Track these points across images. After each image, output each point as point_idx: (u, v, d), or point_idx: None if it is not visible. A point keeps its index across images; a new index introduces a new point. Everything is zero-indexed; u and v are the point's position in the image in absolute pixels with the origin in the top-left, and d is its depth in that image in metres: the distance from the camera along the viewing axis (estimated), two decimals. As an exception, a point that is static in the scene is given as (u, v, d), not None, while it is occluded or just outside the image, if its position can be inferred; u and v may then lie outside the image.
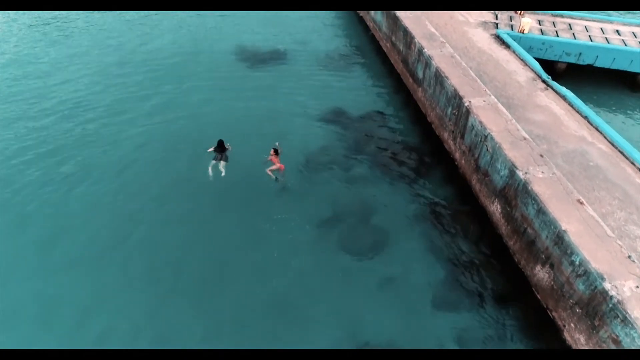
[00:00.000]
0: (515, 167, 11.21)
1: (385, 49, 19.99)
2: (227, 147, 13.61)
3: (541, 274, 10.51)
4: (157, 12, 23.09)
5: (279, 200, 13.41)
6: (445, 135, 14.88)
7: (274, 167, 13.55)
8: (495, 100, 13.53)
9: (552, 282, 10.12)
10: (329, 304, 10.99)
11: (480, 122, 12.57)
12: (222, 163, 13.52)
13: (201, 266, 11.57)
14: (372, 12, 21.12)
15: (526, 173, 11.00)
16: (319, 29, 22.55)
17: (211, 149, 13.55)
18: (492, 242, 12.34)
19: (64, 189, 13.26)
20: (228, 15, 23.18)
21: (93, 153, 14.52)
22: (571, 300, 9.58)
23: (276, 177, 13.80)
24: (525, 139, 12.10)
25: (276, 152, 13.39)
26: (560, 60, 18.27)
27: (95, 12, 23.12)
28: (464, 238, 12.63)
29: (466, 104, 13.24)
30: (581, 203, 10.27)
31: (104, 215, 12.60)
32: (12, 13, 22.87)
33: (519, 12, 19.88)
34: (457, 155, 14.25)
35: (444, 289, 11.42)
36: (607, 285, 8.65)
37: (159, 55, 19.77)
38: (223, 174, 13.50)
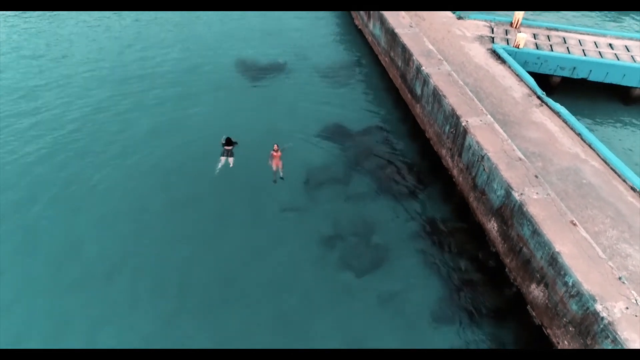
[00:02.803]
0: (511, 188, 11.60)
1: (383, 63, 20.35)
2: (234, 142, 15.00)
3: (536, 292, 10.92)
4: (157, 23, 23.35)
5: (282, 217, 13.79)
6: (444, 152, 15.26)
7: (275, 163, 14.80)
8: (492, 119, 13.91)
9: (547, 301, 10.54)
10: (331, 319, 11.46)
11: (477, 142, 12.96)
12: (231, 159, 15.00)
13: (207, 283, 11.99)
14: (371, 26, 21.46)
15: (522, 194, 11.40)
16: (317, 41, 22.83)
17: (222, 141, 15.06)
18: (489, 259, 12.76)
19: (72, 207, 13.60)
20: (228, 26, 23.46)
21: (97, 170, 14.85)
22: (565, 319, 10.00)
23: (275, 179, 14.62)
24: (520, 159, 12.50)
25: (277, 149, 14.69)
26: (554, 74, 18.67)
27: (96, 20, 23.35)
28: (461, 255, 13.03)
29: (463, 124, 13.62)
30: (574, 224, 10.68)
31: (111, 233, 12.96)
32: (11, 13, 23.13)
33: (515, 26, 20.28)
34: (455, 172, 14.63)
35: (442, 305, 11.86)
36: (598, 307, 9.07)
37: (157, 70, 19.97)
38: (231, 165, 14.95)
